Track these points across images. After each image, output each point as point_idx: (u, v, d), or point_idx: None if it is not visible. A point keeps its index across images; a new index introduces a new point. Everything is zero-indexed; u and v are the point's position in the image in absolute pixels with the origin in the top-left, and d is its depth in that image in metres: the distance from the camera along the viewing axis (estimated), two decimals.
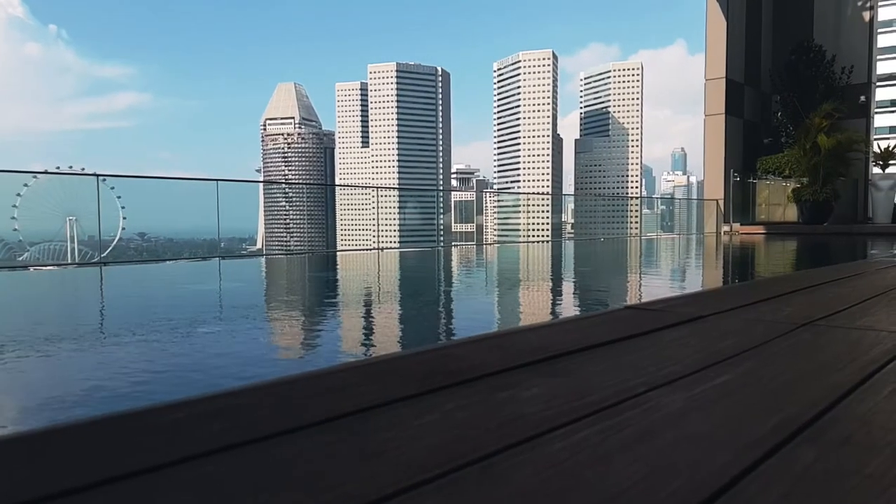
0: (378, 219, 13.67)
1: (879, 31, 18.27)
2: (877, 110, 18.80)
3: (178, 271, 8.90)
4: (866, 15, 17.56)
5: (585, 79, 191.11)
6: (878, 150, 16.50)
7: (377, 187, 16.80)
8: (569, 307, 4.34)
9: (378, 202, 14.27)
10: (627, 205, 25.28)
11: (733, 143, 17.26)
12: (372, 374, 1.24)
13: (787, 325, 1.78)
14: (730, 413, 1.02)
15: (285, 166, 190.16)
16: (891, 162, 16.39)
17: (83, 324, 3.93)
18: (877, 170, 16.71)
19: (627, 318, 1.96)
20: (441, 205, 20.23)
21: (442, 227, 18.76)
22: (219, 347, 2.92)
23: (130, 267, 9.96)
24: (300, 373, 1.20)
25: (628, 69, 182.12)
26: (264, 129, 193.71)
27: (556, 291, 5.34)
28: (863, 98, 17.30)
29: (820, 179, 15.41)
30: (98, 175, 9.62)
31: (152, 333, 3.31)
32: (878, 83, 18.55)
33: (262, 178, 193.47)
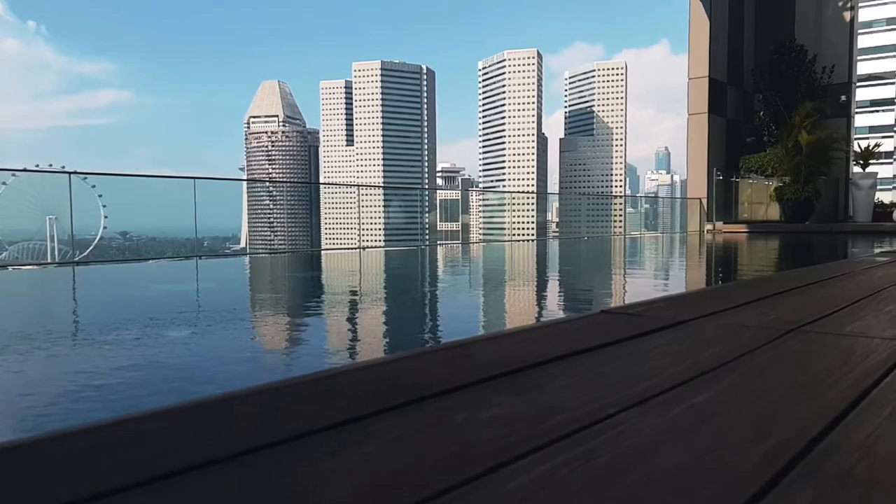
0: (360, 217, 13.47)
1: (860, 31, 18.39)
2: (857, 110, 18.94)
3: (152, 272, 8.69)
4: (847, 15, 17.66)
5: (570, 78, 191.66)
6: (859, 150, 16.61)
7: (359, 185, 16.59)
8: (544, 310, 4.18)
9: (359, 200, 14.05)
10: (612, 203, 25.28)
11: (716, 142, 17.29)
12: (310, 393, 1.10)
13: (774, 331, 1.66)
14: (713, 440, 0.89)
15: (269, 165, 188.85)
16: (871, 161, 16.51)
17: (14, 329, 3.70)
18: (857, 169, 16.83)
19: (603, 323, 1.83)
20: (426, 203, 20.09)
21: (427, 225, 18.64)
22: (148, 357, 2.69)
23: (106, 267, 9.70)
24: (226, 392, 1.06)
25: (612, 69, 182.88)
26: (248, 128, 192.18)
27: (532, 293, 5.19)
28: (843, 97, 17.40)
29: (802, 178, 15.46)
30: (70, 172, 9.40)
31: (80, 340, 3.12)
32: (859, 83, 18.69)
33: (245, 177, 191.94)
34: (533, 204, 20.51)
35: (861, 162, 16.42)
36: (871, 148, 16.29)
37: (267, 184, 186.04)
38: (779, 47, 17.56)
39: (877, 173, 16.64)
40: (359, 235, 13.96)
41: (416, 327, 3.64)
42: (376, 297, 5.29)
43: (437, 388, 1.14)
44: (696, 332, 1.69)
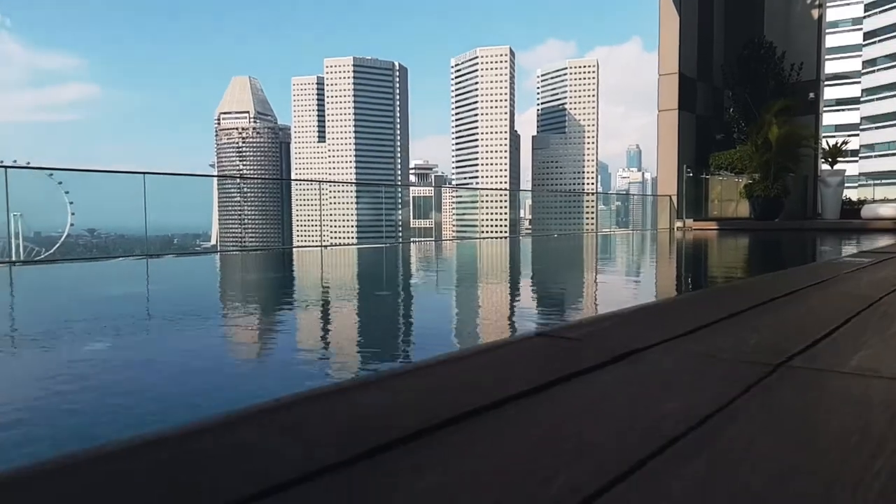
0: (321, 214, 12.94)
1: (827, 31, 18.36)
2: (824, 109, 18.91)
3: (107, 271, 8.07)
4: (815, 13, 17.58)
5: (542, 76, 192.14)
6: (827, 147, 16.53)
7: (323, 181, 16.05)
8: (473, 328, 3.46)
9: (321, 197, 13.53)
10: (583, 201, 25.10)
11: (686, 139, 17.08)
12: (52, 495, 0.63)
13: (755, 367, 1.23)
14: None
15: (240, 161, 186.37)
16: (839, 159, 16.43)
17: None
18: (825, 167, 16.75)
19: (533, 354, 1.39)
20: (399, 200, 19.66)
21: (399, 222, 18.22)
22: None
23: (64, 266, 9.03)
24: None
25: (584, 66, 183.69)
26: (218, 124, 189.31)
27: (472, 303, 4.59)
28: (812, 95, 17.32)
29: (771, 175, 15.30)
30: (6, 167, 8.79)
31: None
32: (826, 82, 18.63)
33: (214, 173, 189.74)
34: (506, 201, 20.13)
35: (829, 160, 16.34)
36: (838, 145, 16.21)
37: (238, 180, 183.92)
38: (748, 43, 17.41)
39: (845, 171, 16.57)
40: (320, 233, 13.44)
41: (309, 349, 2.89)
42: (296, 303, 4.76)
43: (254, 486, 0.69)
44: (651, 368, 1.25)
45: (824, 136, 18.92)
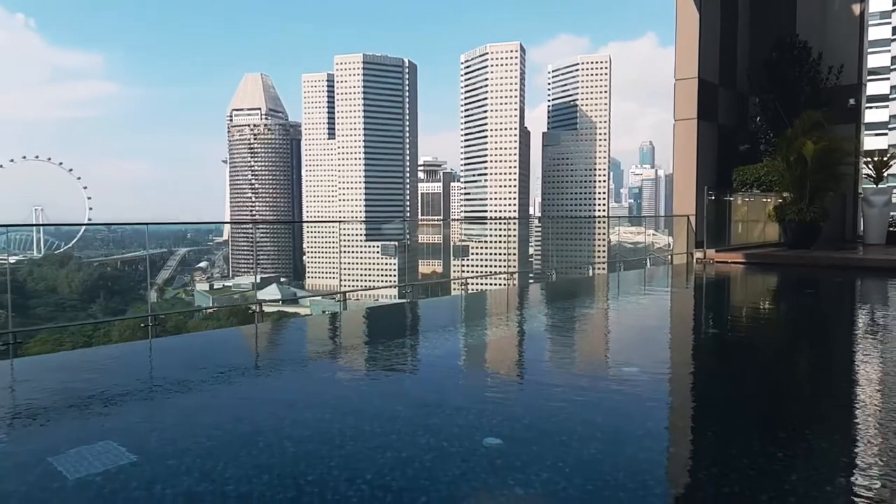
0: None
1: (870, 23, 16.21)
2: (867, 105, 16.71)
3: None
4: (856, 8, 15.44)
5: (553, 71, 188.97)
6: (871, 160, 14.41)
7: (339, 221, 14.29)
8: None
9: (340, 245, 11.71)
10: (595, 226, 23.13)
11: (706, 152, 15.02)
12: None
13: None
14: None
15: (252, 158, 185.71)
16: (885, 172, 14.35)
17: None
18: (867, 184, 14.68)
19: None
20: (407, 237, 17.80)
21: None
22: None
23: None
24: None
25: (596, 62, 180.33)
26: (231, 120, 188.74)
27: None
28: (852, 101, 15.22)
29: (807, 196, 13.23)
30: None
31: None
32: (868, 77, 16.44)
33: (227, 169, 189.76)
34: (514, 233, 17.81)
35: (873, 176, 14.25)
36: (885, 159, 14.11)
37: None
38: (778, 44, 15.33)
39: (893, 188, 14.45)
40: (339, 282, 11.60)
41: None
42: None
43: None
44: None
45: (866, 135, 16.76)
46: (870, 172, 14.64)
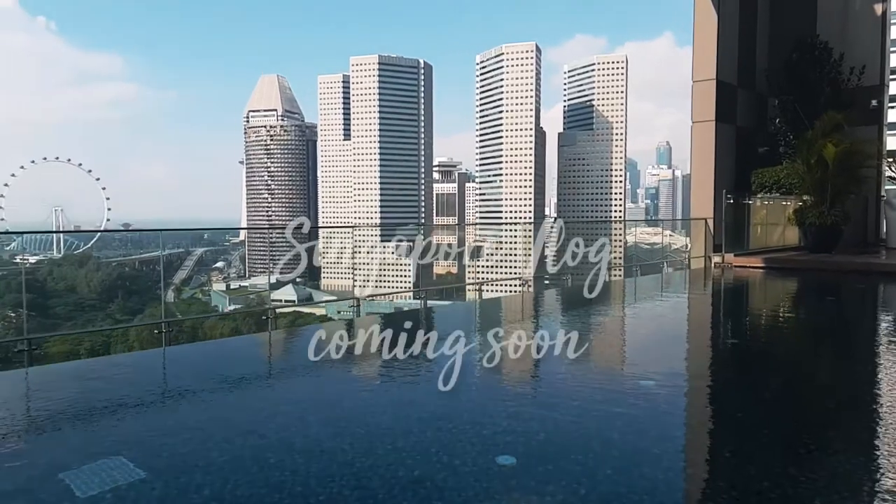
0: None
1: (892, 22, 15.90)
2: (889, 105, 16.36)
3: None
4: (878, 8, 15.17)
5: (569, 72, 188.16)
6: (894, 161, 14.16)
7: (353, 226, 14.24)
8: None
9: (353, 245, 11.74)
10: (611, 229, 22.88)
11: (724, 155, 14.82)
12: None
13: None
14: None
15: (268, 159, 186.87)
16: None
17: None
18: (890, 186, 14.43)
19: None
20: (421, 234, 17.71)
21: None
22: None
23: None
24: None
25: (613, 62, 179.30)
26: (247, 121, 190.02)
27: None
28: (875, 102, 14.95)
29: (828, 199, 13.02)
30: None
31: None
32: (891, 77, 16.09)
33: (244, 170, 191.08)
34: (531, 235, 17.65)
35: None
36: None
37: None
38: (798, 44, 15.10)
39: None
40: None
41: None
42: None
43: None
44: None
45: (890, 135, 16.43)
46: (893, 174, 14.43)
